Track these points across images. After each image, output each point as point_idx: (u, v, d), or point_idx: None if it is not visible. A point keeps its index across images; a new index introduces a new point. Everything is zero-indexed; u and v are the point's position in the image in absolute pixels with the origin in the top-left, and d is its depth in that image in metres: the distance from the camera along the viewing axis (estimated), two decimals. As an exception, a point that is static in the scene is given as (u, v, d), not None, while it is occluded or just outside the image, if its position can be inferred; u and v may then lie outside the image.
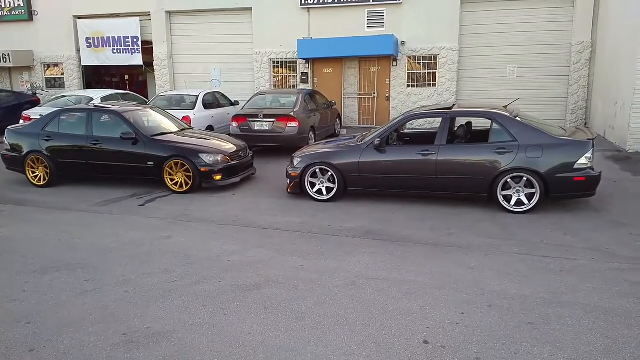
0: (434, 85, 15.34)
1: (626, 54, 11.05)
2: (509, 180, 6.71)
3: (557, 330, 3.63)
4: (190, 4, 16.57)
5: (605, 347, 3.41)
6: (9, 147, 8.95)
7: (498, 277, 4.64)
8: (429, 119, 12.48)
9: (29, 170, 8.80)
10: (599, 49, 13.68)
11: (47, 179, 8.74)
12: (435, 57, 15.14)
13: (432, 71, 15.30)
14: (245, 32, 16.39)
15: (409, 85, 15.52)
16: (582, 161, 6.54)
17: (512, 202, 6.74)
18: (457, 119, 8.09)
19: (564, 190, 6.66)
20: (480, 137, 7.44)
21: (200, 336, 3.63)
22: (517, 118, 6.97)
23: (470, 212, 6.80)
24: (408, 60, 15.36)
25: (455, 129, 7.94)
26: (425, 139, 7.79)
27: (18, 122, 11.29)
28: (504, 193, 6.77)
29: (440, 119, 7.31)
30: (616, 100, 11.57)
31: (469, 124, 8.08)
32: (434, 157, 6.97)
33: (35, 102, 15.24)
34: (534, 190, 6.64)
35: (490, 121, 7.05)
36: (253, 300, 4.21)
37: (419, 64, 15.40)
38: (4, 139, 9.08)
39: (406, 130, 8.84)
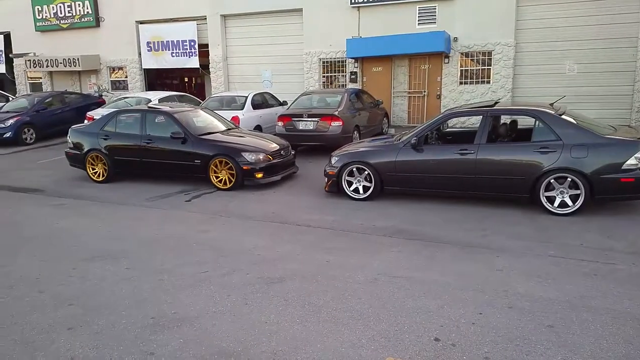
0: (488, 82, 14.93)
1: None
2: (552, 181, 6.49)
3: (577, 334, 3.53)
4: (243, 7, 17.08)
5: (625, 354, 3.29)
6: (72, 145, 9.68)
7: (525, 279, 4.54)
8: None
9: (89, 167, 9.46)
10: (667, 42, 12.81)
11: (105, 175, 9.36)
12: (489, 53, 14.74)
13: (486, 68, 14.90)
14: (295, 33, 16.68)
15: (461, 83, 15.20)
16: (632, 161, 6.21)
17: (556, 204, 6.51)
18: (502, 117, 7.89)
19: (611, 192, 6.36)
20: (525, 136, 7.23)
21: (220, 323, 3.84)
22: (563, 116, 6.73)
23: (510, 214, 6.64)
24: (461, 57, 15.05)
25: (499, 127, 7.75)
26: (468, 137, 7.66)
27: (84, 122, 12.16)
28: (547, 194, 6.55)
29: (481, 117, 7.18)
30: (684, 96, 10.81)
31: (513, 122, 7.87)
32: (472, 157, 6.85)
33: (101, 104, 16.29)
34: (578, 192, 6.39)
35: (533, 119, 6.86)
36: (275, 292, 4.38)
37: (472, 60, 15.04)
38: (68, 137, 9.81)
39: (448, 129, 8.71)
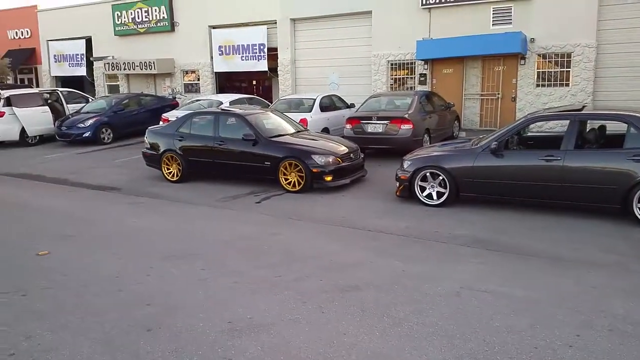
0: (567, 85, 14.08)
1: None
2: (647, 191, 5.95)
3: (695, 368, 3.14)
4: (312, 11, 17.11)
5: None
6: (149, 146, 10.02)
7: (624, 298, 4.14)
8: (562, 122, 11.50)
9: (164, 167, 9.74)
10: None
11: (179, 175, 9.60)
12: (568, 55, 13.89)
13: (565, 70, 14.06)
14: (363, 35, 16.49)
15: (538, 85, 14.43)
16: None
17: (651, 217, 5.97)
18: (588, 122, 7.35)
19: None
20: (614, 143, 6.69)
21: (297, 331, 3.75)
22: (660, 122, 6.16)
23: (599, 225, 6.14)
24: (538, 58, 14.29)
25: (587, 132, 7.22)
26: (551, 143, 7.19)
27: (159, 124, 12.60)
28: (642, 206, 6.02)
29: (568, 121, 6.70)
30: None
31: (602, 127, 7.31)
32: (559, 163, 6.41)
33: (174, 106, 16.85)
34: (678, 205, 5.81)
35: (626, 125, 6.33)
36: (351, 301, 4.23)
37: (550, 62, 14.24)
38: (145, 138, 10.17)
39: (530, 134, 8.23)
